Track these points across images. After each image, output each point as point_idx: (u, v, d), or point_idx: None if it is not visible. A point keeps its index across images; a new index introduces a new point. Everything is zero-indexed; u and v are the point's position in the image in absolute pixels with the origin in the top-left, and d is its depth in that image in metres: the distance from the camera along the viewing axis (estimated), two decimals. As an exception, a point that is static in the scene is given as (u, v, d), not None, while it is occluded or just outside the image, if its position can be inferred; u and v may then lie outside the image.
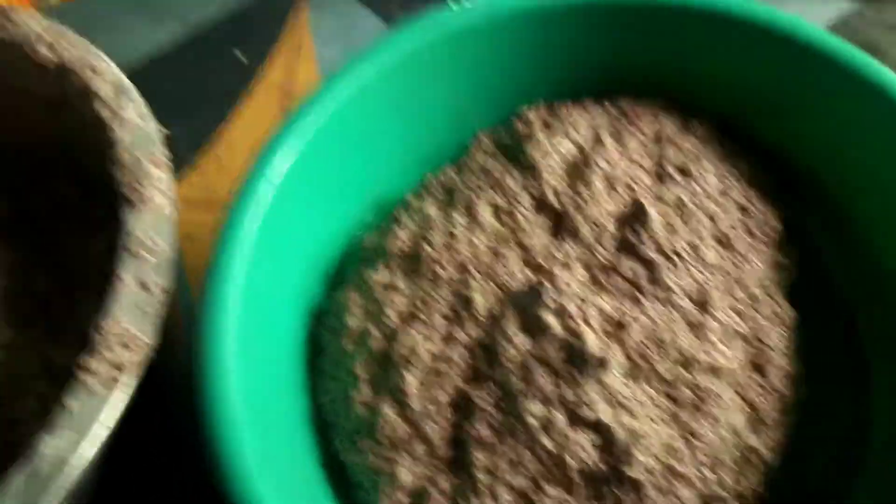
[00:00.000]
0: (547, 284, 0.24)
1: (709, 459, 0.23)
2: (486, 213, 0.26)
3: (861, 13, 0.39)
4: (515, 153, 0.28)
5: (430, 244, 0.25)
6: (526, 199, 0.26)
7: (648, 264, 0.25)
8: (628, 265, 0.25)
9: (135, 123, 0.24)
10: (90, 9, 0.39)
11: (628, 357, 0.23)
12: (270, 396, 0.23)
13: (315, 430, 0.25)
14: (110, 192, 0.24)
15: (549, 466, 0.22)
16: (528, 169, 0.27)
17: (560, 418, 0.22)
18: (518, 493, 0.22)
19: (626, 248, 0.25)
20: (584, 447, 0.22)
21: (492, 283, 0.25)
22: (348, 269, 0.27)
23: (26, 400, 0.29)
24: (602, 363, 0.22)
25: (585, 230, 0.25)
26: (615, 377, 0.23)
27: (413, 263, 0.25)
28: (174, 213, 0.23)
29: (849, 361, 0.27)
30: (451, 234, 0.26)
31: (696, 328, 0.24)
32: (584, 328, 0.23)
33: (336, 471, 0.24)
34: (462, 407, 0.23)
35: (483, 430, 0.22)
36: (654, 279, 0.24)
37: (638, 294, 0.24)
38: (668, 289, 0.24)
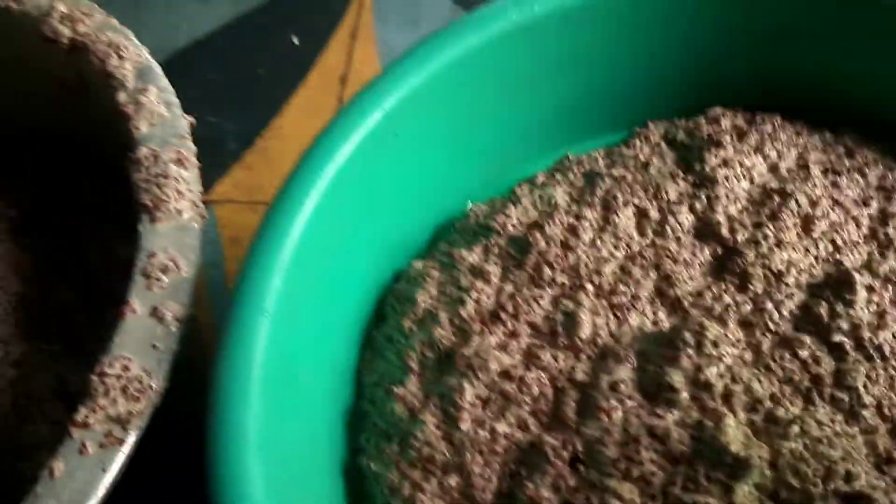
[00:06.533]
0: (688, 337, 0.18)
1: None
2: (626, 217, 0.21)
3: None
4: (690, 156, 0.22)
5: (544, 234, 0.20)
6: (686, 217, 0.21)
7: (838, 355, 0.19)
8: (809, 348, 0.19)
9: (157, 112, 0.20)
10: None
11: (775, 468, 0.17)
12: (301, 371, 0.19)
13: (347, 424, 0.20)
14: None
15: None
16: (702, 180, 0.22)
17: None
18: None
19: (813, 322, 0.19)
20: None
21: (609, 309, 0.19)
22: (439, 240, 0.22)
23: (38, 425, 0.25)
24: (742, 467, 0.17)
25: (759, 281, 0.20)
26: (751, 493, 0.17)
27: (517, 252, 0.20)
28: (199, 223, 0.19)
29: None
30: (574, 231, 0.20)
31: (884, 461, 0.18)
32: (726, 414, 0.17)
33: (354, 479, 0.20)
34: (525, 452, 0.18)
35: (544, 493, 0.17)
36: (841, 379, 0.18)
37: (813, 391, 0.18)
38: (858, 398, 0.18)
